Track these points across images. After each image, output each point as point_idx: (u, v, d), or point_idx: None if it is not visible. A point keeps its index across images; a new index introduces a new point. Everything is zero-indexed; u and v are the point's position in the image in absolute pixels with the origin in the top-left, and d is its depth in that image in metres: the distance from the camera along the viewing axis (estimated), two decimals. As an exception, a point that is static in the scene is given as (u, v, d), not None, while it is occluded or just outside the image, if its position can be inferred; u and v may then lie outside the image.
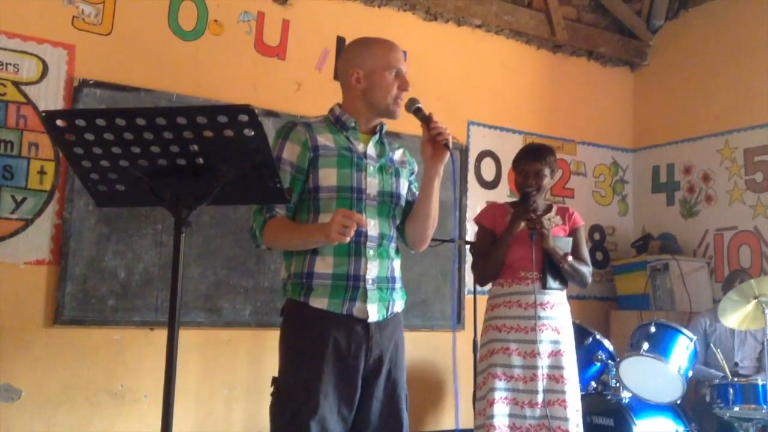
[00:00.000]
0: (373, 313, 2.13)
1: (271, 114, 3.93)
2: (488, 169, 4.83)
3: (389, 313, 2.19)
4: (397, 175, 2.26)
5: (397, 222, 2.27)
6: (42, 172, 3.39)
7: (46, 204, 3.39)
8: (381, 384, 2.16)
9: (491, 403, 2.91)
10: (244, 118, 1.56)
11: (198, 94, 3.75)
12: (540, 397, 2.91)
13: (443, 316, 4.49)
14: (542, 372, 2.93)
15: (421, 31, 4.62)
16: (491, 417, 2.89)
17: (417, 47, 4.56)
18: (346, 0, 4.34)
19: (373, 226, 2.16)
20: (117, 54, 3.62)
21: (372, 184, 2.17)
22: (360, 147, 2.20)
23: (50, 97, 3.43)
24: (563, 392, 2.94)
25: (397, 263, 2.26)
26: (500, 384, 2.94)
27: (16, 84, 3.36)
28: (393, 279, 2.22)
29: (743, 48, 4.91)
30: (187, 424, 3.61)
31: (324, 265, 2.11)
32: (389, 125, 4.58)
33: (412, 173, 2.38)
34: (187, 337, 3.44)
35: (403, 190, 2.28)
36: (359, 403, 2.13)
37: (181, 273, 1.72)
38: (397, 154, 2.33)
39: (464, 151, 4.70)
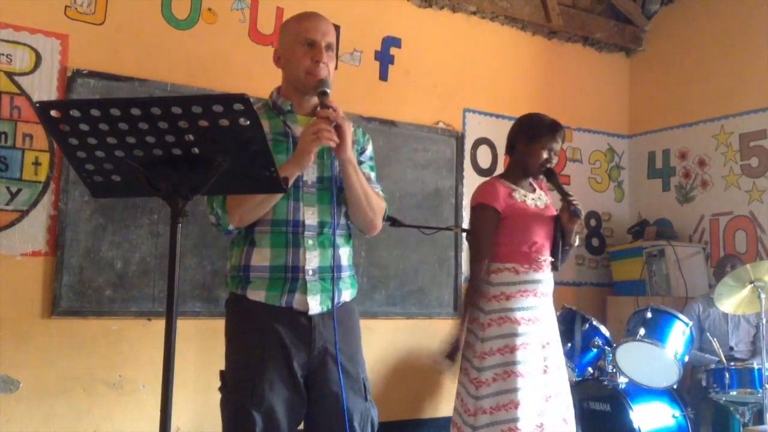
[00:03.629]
0: (315, 304, 2.04)
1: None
2: (484, 156, 4.83)
3: (335, 304, 2.08)
4: None
5: (344, 208, 2.14)
6: (37, 163, 3.38)
7: (41, 195, 3.38)
8: (332, 377, 2.04)
9: (516, 405, 2.66)
10: (239, 107, 1.55)
11: (193, 84, 3.74)
12: (551, 389, 2.77)
13: (440, 303, 4.50)
14: (546, 363, 2.80)
15: (416, 18, 4.60)
16: (515, 420, 2.65)
17: (412, 34, 4.55)
18: (341, -13, 4.32)
19: (311, 215, 2.06)
20: (111, 43, 3.59)
21: (310, 170, 2.05)
22: (298, 130, 2.07)
23: (44, 87, 3.42)
24: (565, 381, 2.89)
25: (344, 251, 2.14)
26: (524, 383, 2.70)
27: (9, 75, 3.34)
28: (339, 268, 2.10)
29: (738, 33, 4.91)
30: (185, 414, 3.62)
31: (261, 258, 2.04)
32: (384, 113, 4.57)
33: (362, 152, 2.22)
34: (184, 326, 3.42)
35: (336, 167, 2.10)
36: (312, 397, 2.06)
37: (178, 263, 1.71)
38: None
39: (460, 138, 4.70)
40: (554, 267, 2.90)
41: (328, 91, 2.02)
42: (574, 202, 2.80)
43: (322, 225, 2.07)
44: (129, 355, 3.53)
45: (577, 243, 2.94)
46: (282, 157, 2.01)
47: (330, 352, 2.05)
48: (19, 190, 3.33)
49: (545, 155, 2.86)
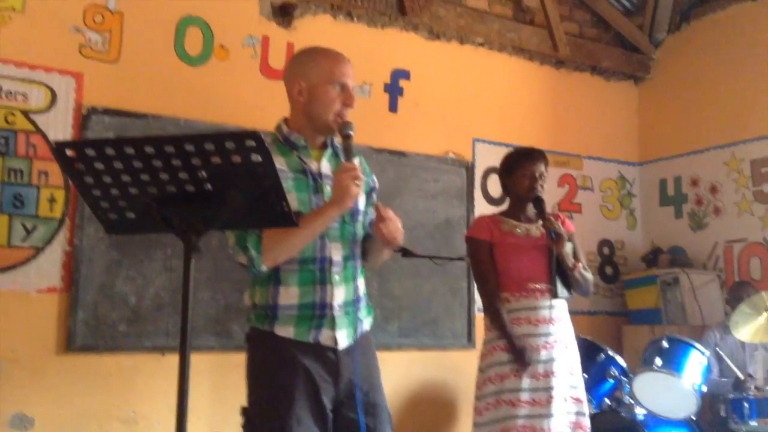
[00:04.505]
0: (343, 339, 2.06)
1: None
2: (495, 186, 4.82)
3: (358, 335, 2.11)
4: None
5: (359, 240, 2.17)
6: (52, 200, 3.41)
7: (56, 231, 3.41)
8: (358, 408, 2.06)
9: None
10: (251, 143, 1.57)
11: (206, 119, 3.78)
12: (558, 421, 2.76)
13: (454, 335, 4.47)
14: (559, 393, 2.79)
15: (425, 51, 4.65)
16: None
17: (420, 66, 4.59)
18: (350, 21, 4.38)
19: (337, 250, 2.07)
20: (125, 81, 3.65)
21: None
22: (314, 166, 2.10)
23: (59, 125, 3.47)
24: (583, 414, 2.87)
25: (361, 282, 2.17)
26: (517, 411, 2.74)
27: (25, 113, 3.40)
28: (359, 300, 2.14)
29: (746, 59, 4.92)
30: (199, 449, 3.60)
31: (289, 296, 2.04)
32: (394, 144, 4.60)
33: (371, 188, 2.24)
34: (198, 361, 3.41)
35: (361, 204, 2.17)
36: (337, 429, 2.06)
37: (192, 299, 1.72)
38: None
39: (470, 168, 4.72)
40: (553, 294, 2.89)
41: (353, 134, 2.06)
42: (549, 225, 2.83)
43: (346, 259, 2.10)
44: (143, 390, 3.52)
45: (579, 268, 2.91)
46: (304, 195, 2.04)
47: (355, 383, 2.07)
48: (34, 227, 3.36)
49: (527, 181, 2.95)
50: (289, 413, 1.97)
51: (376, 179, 2.29)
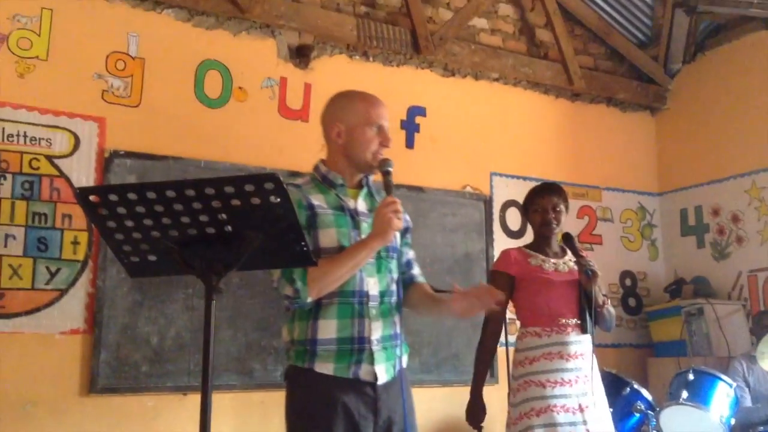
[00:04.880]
0: (382, 374, 2.09)
1: (296, 175, 3.98)
2: (513, 219, 4.84)
3: (396, 371, 2.15)
4: None
5: (396, 276, 2.22)
6: (75, 242, 3.46)
7: (79, 273, 3.46)
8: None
9: None
10: (270, 185, 1.60)
11: (225, 160, 3.84)
12: None
13: (476, 369, 4.42)
14: (587, 428, 2.79)
15: (440, 87, 4.70)
16: None
17: (437, 102, 4.64)
18: (365, 61, 4.45)
19: (373, 285, 2.13)
20: (146, 124, 3.72)
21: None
22: (351, 203, 2.18)
23: (82, 169, 3.53)
24: None
25: (398, 318, 2.21)
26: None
27: (50, 158, 3.47)
28: (396, 336, 2.17)
29: (762, 87, 4.91)
30: (222, 490, 3.58)
31: (327, 330, 2.07)
32: (412, 179, 4.62)
33: (406, 228, 2.32)
34: (220, 400, 3.44)
35: (398, 241, 2.23)
36: None
37: (213, 340, 1.74)
38: None
39: (488, 202, 4.72)
40: (583, 330, 2.90)
41: (392, 170, 2.15)
42: (585, 263, 2.86)
43: (382, 294, 2.15)
44: (165, 431, 3.52)
45: (607, 305, 2.94)
46: (345, 230, 2.11)
47: (393, 421, 2.10)
48: (58, 270, 3.41)
49: (539, 216, 3.03)
50: None
51: (409, 219, 2.34)
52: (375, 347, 2.08)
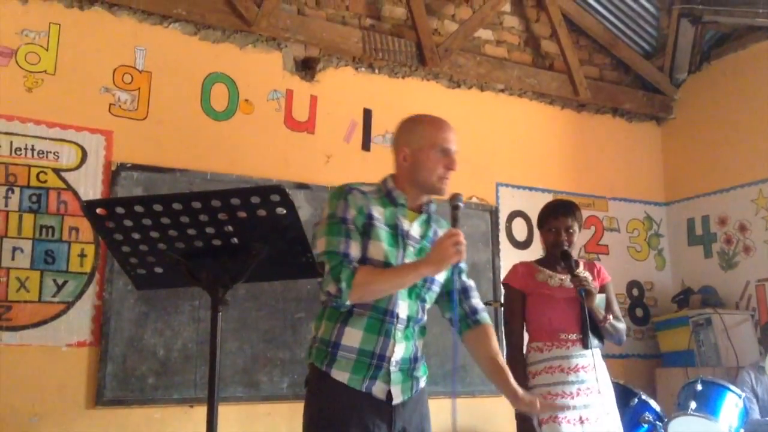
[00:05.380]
0: (398, 394, 2.13)
1: (302, 187, 4.01)
2: (519, 229, 4.83)
3: (414, 392, 2.20)
4: None
5: (426, 305, 2.26)
6: (82, 255, 3.48)
7: (86, 286, 3.47)
8: None
9: None
10: (276, 197, 1.61)
11: (231, 172, 3.85)
12: None
13: (483, 381, 4.32)
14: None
15: (446, 99, 4.70)
16: None
17: (442, 114, 4.60)
18: (372, 73, 4.46)
19: (403, 308, 2.16)
20: (153, 137, 3.74)
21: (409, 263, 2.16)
22: (405, 225, 2.20)
23: (89, 181, 3.55)
24: None
25: (420, 342, 2.26)
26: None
27: (57, 171, 3.49)
28: (416, 359, 2.22)
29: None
30: (229, 503, 3.57)
31: (352, 339, 2.11)
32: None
33: (459, 269, 2.31)
34: (226, 412, 3.42)
35: (440, 276, 2.24)
36: None
37: (219, 352, 1.74)
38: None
39: (494, 213, 4.72)
40: (584, 345, 2.94)
41: (461, 205, 2.19)
42: (578, 283, 2.90)
43: (409, 319, 2.18)
44: (172, 443, 3.52)
45: (610, 320, 2.96)
46: (393, 248, 2.14)
47: (409, 424, 2.15)
48: (65, 282, 3.42)
49: (552, 237, 3.05)
50: None
51: (464, 264, 2.34)
52: (393, 368, 2.12)
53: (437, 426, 4.45)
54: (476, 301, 2.35)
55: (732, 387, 3.73)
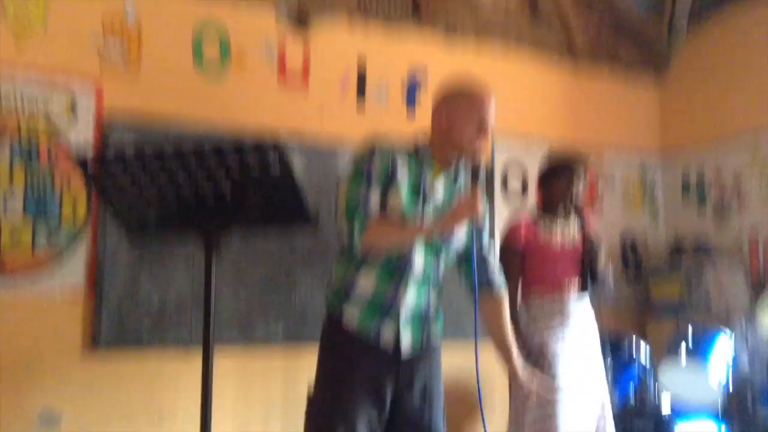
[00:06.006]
0: (407, 345, 2.19)
1: (295, 139, 3.98)
2: (514, 181, 4.83)
3: (423, 347, 2.25)
4: None
5: (444, 260, 2.30)
6: (74, 205, 3.47)
7: (79, 235, 3.46)
8: (416, 399, 2.22)
9: (551, 417, 2.86)
10: (268, 148, 1.60)
11: (224, 124, 3.81)
12: (588, 407, 2.91)
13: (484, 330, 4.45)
14: (586, 380, 2.95)
15: (441, 51, 4.64)
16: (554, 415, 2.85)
17: (437, 66, 4.59)
18: (366, 25, 4.39)
19: (419, 261, 2.21)
20: (144, 88, 3.69)
21: (426, 220, 2.21)
22: (429, 180, 2.24)
23: (80, 131, 3.51)
24: (605, 400, 2.99)
25: (434, 298, 2.30)
26: (556, 397, 2.87)
27: (47, 120, 3.45)
28: (428, 310, 2.26)
29: (766, 49, 4.86)
30: (225, 446, 3.64)
31: (365, 285, 2.18)
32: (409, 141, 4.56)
33: (479, 229, 2.37)
34: (221, 357, 3.44)
35: (459, 231, 2.28)
36: (394, 416, 2.19)
37: (214, 299, 1.75)
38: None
39: (489, 164, 4.71)
40: (583, 287, 3.05)
41: (481, 177, 2.20)
42: (594, 242, 3.00)
43: (424, 273, 2.24)
44: (168, 387, 3.57)
45: (609, 270, 3.06)
46: (412, 203, 2.19)
47: (416, 380, 2.22)
48: (58, 231, 3.42)
49: (570, 191, 3.08)
50: (347, 396, 2.12)
51: (487, 238, 2.40)
52: (403, 316, 2.18)
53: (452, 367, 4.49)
54: (493, 274, 2.40)
55: (722, 334, 3.78)
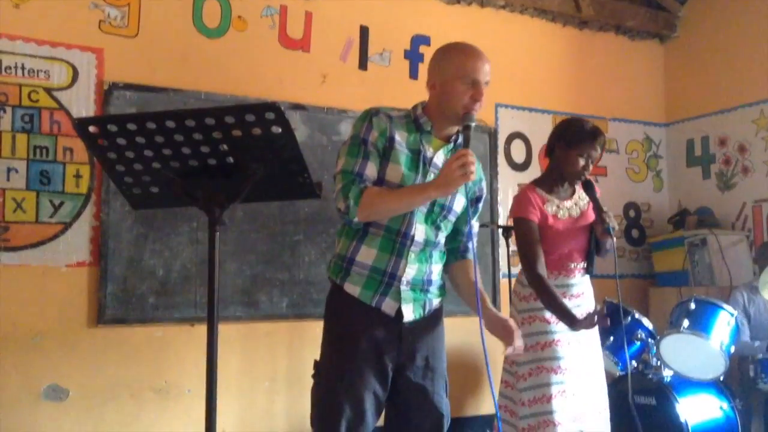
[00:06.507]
0: (409, 312, 2.19)
1: (297, 107, 3.95)
2: (518, 151, 4.80)
3: (426, 312, 2.25)
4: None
5: (444, 233, 2.28)
6: (78, 176, 3.45)
7: (83, 207, 3.46)
8: (418, 371, 2.22)
9: (548, 399, 2.78)
10: (270, 115, 1.57)
11: (225, 91, 3.78)
12: (584, 385, 2.87)
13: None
14: (585, 360, 2.91)
15: (445, 15, 4.58)
16: (551, 412, 2.76)
17: (441, 31, 4.53)
18: (368, -11, 4.33)
19: (420, 232, 2.20)
20: (144, 55, 3.66)
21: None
22: (429, 152, 2.21)
23: (82, 101, 3.49)
24: (603, 380, 2.96)
25: (437, 267, 2.29)
26: (556, 378, 2.81)
27: (48, 90, 3.42)
28: (429, 281, 2.25)
29: (776, 14, 4.79)
30: (230, 417, 3.67)
31: (366, 256, 2.18)
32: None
33: (476, 195, 2.35)
34: (226, 331, 3.49)
35: (458, 205, 2.26)
36: (397, 388, 2.20)
37: (218, 271, 1.74)
38: None
39: (493, 134, 4.68)
40: (588, 272, 2.97)
41: (473, 125, 2.15)
42: (608, 221, 2.76)
43: (426, 243, 2.22)
44: (174, 360, 3.59)
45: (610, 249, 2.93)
46: (411, 173, 2.16)
47: (418, 348, 2.22)
48: (61, 203, 3.41)
49: (582, 162, 2.86)
50: (351, 367, 2.13)
51: (485, 188, 2.39)
52: (403, 287, 2.18)
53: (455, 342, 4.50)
54: (472, 246, 2.35)
55: (724, 305, 3.78)
